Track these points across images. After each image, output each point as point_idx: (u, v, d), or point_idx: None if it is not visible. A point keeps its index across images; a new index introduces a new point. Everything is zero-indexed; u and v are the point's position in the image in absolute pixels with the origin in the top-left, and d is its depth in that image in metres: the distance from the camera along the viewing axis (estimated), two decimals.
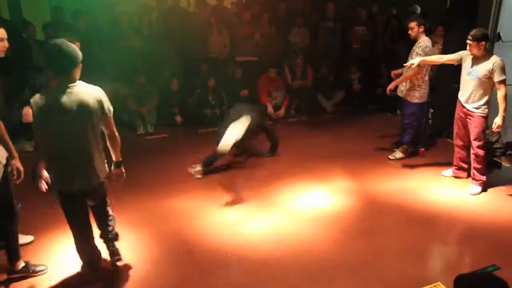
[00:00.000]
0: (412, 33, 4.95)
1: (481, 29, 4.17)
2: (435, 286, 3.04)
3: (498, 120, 4.18)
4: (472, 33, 4.14)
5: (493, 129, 4.30)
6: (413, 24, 4.93)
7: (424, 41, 4.92)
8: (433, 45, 5.27)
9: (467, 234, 3.78)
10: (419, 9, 7.68)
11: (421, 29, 4.93)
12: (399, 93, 5.21)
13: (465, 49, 4.39)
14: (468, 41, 4.15)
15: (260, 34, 7.33)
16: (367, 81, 7.64)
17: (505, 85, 4.15)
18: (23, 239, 3.40)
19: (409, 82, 5.03)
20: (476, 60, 4.23)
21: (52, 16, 6.74)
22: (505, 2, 7.23)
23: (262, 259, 3.37)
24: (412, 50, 5.01)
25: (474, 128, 4.33)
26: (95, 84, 2.73)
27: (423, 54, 4.81)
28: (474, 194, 4.44)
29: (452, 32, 5.73)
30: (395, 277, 3.15)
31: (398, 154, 5.36)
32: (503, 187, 4.58)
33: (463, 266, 3.34)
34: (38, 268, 3.17)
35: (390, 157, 5.36)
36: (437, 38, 6.29)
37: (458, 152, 4.69)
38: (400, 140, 5.48)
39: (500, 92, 4.14)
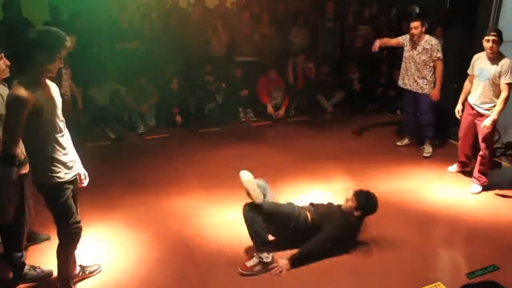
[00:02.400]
0: (416, 32, 5.02)
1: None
2: (435, 286, 3.04)
3: (487, 122, 4.16)
4: (495, 31, 4.13)
5: (484, 129, 4.23)
6: (417, 24, 5.02)
7: (432, 39, 5.09)
8: None
9: (467, 234, 3.78)
10: (417, 10, 7.70)
11: (424, 29, 5.06)
12: (419, 90, 5.26)
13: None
14: (493, 39, 4.05)
15: (260, 34, 7.33)
16: (367, 81, 7.64)
17: (509, 89, 4.09)
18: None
19: (432, 77, 5.17)
20: (486, 62, 4.21)
21: (51, 15, 6.73)
22: (505, 2, 7.22)
23: None
24: (418, 49, 5.10)
25: (483, 130, 4.26)
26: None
27: (441, 50, 5.03)
28: (475, 193, 4.45)
29: (452, 32, 5.74)
30: (395, 277, 3.15)
31: (430, 148, 5.42)
32: (503, 187, 4.58)
33: (463, 266, 3.34)
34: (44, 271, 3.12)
35: (426, 154, 5.40)
36: (437, 38, 6.28)
37: (463, 150, 4.72)
38: (421, 135, 5.55)
39: (502, 95, 4.10)
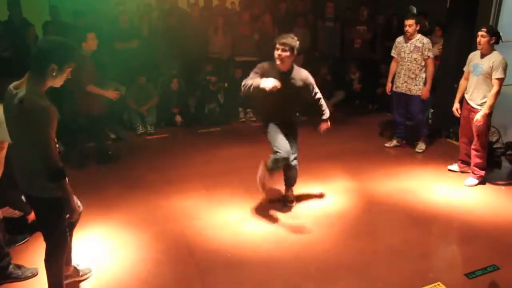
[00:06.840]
0: (410, 30, 5.14)
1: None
2: (435, 286, 3.04)
3: (479, 116, 4.31)
4: (486, 27, 4.30)
5: (475, 122, 4.36)
6: (412, 22, 5.13)
7: (424, 38, 5.18)
8: (432, 45, 5.32)
9: (467, 234, 3.78)
10: (415, 10, 7.71)
11: (418, 27, 5.18)
12: (407, 91, 5.34)
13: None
14: (482, 34, 4.25)
15: (260, 34, 7.32)
16: (367, 81, 7.64)
17: (500, 84, 4.23)
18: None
19: (420, 78, 5.26)
20: (480, 57, 4.35)
21: (51, 15, 6.73)
22: (505, 2, 7.23)
23: (262, 259, 3.37)
24: (410, 47, 5.21)
25: (476, 124, 4.37)
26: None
27: (432, 48, 5.15)
28: (470, 186, 4.56)
29: (452, 32, 5.74)
30: (395, 277, 3.15)
31: (423, 145, 5.57)
32: (503, 187, 4.59)
33: (463, 266, 3.34)
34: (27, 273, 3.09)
35: (418, 150, 5.55)
36: (436, 38, 6.29)
37: (464, 148, 4.78)
38: (419, 134, 5.64)
39: (493, 89, 4.24)
